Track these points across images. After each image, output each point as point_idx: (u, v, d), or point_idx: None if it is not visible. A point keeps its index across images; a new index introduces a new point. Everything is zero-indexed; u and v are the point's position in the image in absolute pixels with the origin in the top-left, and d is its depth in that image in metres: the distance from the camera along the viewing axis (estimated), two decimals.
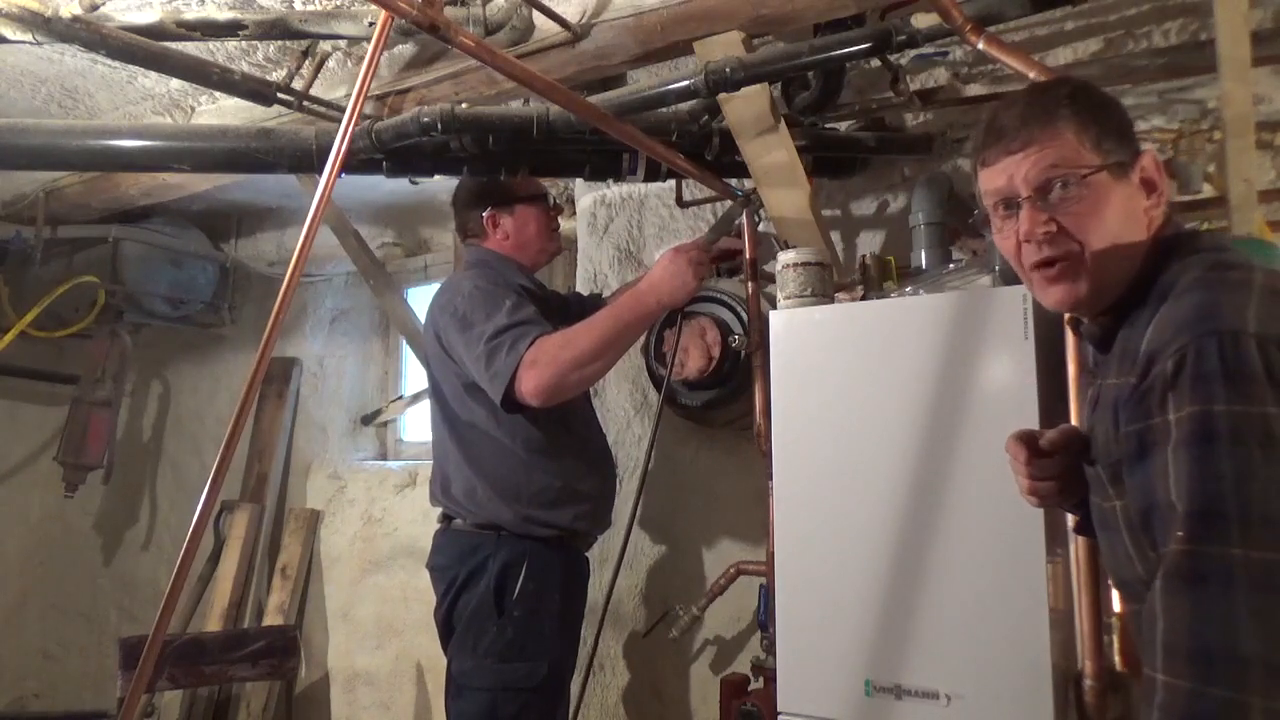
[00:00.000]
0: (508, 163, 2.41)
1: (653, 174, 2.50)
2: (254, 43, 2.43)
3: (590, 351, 1.91)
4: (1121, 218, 1.06)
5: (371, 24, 2.05)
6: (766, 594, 2.22)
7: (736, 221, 2.26)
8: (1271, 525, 0.84)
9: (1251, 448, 0.86)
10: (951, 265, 2.04)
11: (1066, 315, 1.31)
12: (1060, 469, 1.19)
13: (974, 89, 2.41)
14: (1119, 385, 1.00)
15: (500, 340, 1.91)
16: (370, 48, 1.61)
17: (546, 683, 2.00)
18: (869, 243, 2.62)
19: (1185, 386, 0.89)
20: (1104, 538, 1.10)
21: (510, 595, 2.01)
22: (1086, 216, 1.05)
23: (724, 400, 2.47)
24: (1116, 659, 1.62)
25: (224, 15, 2.15)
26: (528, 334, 1.89)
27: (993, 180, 1.12)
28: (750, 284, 2.32)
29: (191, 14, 2.16)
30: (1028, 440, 1.18)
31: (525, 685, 1.97)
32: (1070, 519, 1.39)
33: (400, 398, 3.91)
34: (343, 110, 1.87)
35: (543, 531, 2.08)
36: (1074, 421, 1.56)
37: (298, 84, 2.44)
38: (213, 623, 3.51)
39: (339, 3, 2.26)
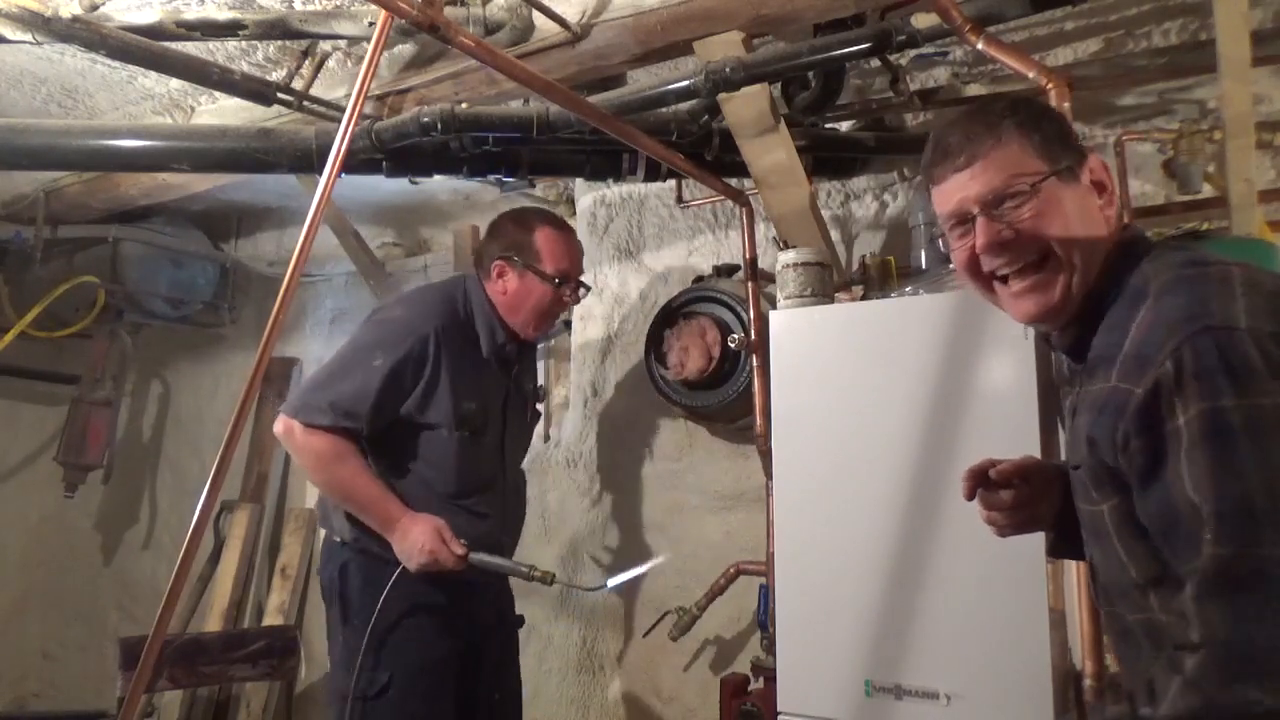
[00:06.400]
0: (507, 163, 2.42)
1: (653, 174, 2.50)
2: (254, 43, 2.43)
3: (326, 487, 2.03)
4: (1079, 216, 1.06)
5: (371, 24, 2.04)
6: (766, 594, 2.22)
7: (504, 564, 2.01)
8: None
9: (1269, 442, 0.83)
10: (951, 265, 2.04)
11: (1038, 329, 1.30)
12: (1015, 501, 1.17)
13: (974, 89, 2.41)
14: (1106, 390, 0.98)
15: (324, 382, 1.99)
16: (370, 48, 1.61)
17: (389, 693, 1.94)
18: (869, 243, 2.62)
19: (1189, 388, 0.87)
20: (1093, 543, 1.07)
21: (352, 604, 2.01)
22: (1044, 218, 1.05)
23: (724, 400, 2.47)
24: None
25: (224, 15, 2.15)
26: (326, 416, 1.94)
27: (945, 201, 1.12)
28: (750, 284, 2.32)
29: (191, 14, 2.15)
30: (976, 473, 1.16)
31: (364, 695, 1.93)
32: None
33: None
34: (343, 110, 1.87)
35: (372, 545, 2.00)
36: None
37: (298, 84, 2.44)
38: (213, 623, 3.50)
39: (339, 3, 2.26)
